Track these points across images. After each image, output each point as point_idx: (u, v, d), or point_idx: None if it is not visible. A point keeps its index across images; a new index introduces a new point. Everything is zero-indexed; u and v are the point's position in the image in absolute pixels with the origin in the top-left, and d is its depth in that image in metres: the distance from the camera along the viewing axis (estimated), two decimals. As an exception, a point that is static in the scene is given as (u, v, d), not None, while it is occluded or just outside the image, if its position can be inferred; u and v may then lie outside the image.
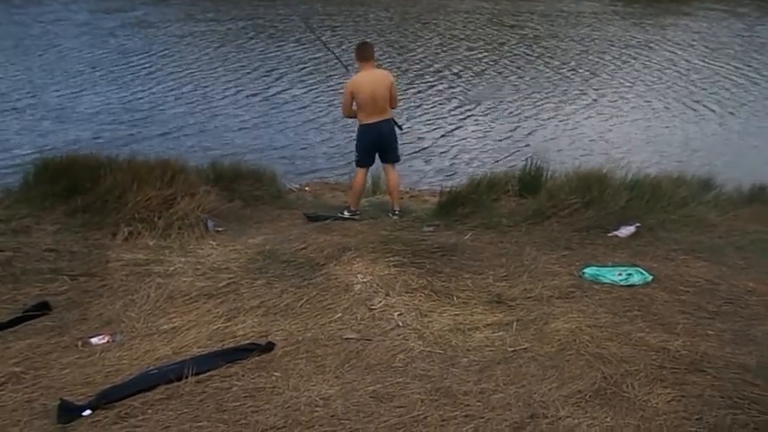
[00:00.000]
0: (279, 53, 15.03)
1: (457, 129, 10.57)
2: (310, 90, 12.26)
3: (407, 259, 4.58)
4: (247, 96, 11.81)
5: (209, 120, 10.53)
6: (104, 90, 11.96)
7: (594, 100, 12.41)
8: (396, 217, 5.74)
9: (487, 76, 13.79)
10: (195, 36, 16.59)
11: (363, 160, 5.79)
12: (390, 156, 5.84)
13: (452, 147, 9.84)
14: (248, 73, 13.44)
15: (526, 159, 6.89)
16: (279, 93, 12.09)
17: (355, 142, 5.81)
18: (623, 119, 11.40)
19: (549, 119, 11.21)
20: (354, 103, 5.60)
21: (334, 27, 18.06)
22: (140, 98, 11.54)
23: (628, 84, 13.57)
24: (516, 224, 5.33)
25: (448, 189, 5.96)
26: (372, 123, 5.61)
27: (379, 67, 6.15)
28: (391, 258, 4.58)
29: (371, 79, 5.55)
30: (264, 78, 13.05)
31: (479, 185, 5.94)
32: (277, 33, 16.70)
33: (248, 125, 10.34)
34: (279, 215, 5.75)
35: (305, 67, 13.69)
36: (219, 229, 5.20)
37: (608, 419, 2.87)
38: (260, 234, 5.17)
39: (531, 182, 6.33)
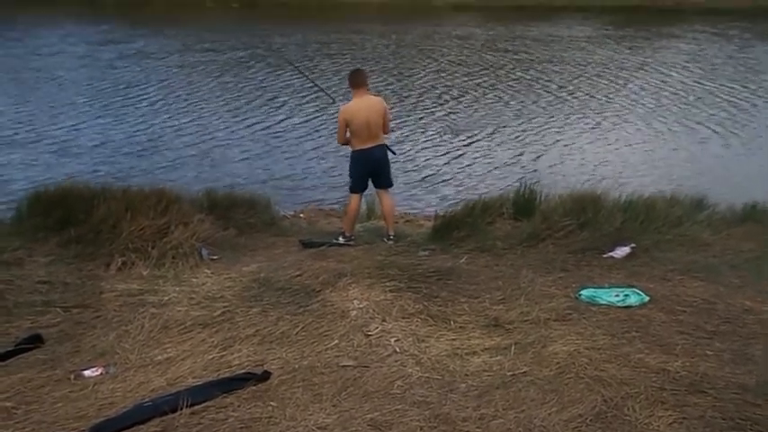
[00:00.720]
0: (277, 82, 15.12)
1: (461, 155, 10.60)
2: (308, 118, 12.32)
3: (403, 284, 4.56)
4: (247, 126, 11.85)
5: (209, 150, 10.56)
6: (104, 123, 11.98)
7: (597, 123, 12.46)
8: (391, 242, 5.73)
9: (488, 101, 13.89)
10: (194, 66, 16.75)
11: (357, 186, 5.81)
12: (383, 181, 5.86)
13: (456, 173, 9.85)
14: (247, 102, 13.51)
15: (519, 182, 6.91)
16: (278, 121, 12.14)
17: (349, 169, 5.83)
18: (620, 141, 11.47)
19: (552, 143, 11.24)
20: (348, 131, 5.63)
21: (332, 55, 18.26)
22: (140, 130, 11.56)
23: (627, 106, 13.68)
24: (511, 247, 5.33)
25: (443, 213, 5.97)
26: (366, 149, 5.64)
27: (377, 94, 6.20)
28: (387, 283, 4.56)
29: (365, 106, 5.60)
30: (264, 107, 13.12)
31: (474, 209, 5.95)
32: (275, 63, 16.82)
33: (247, 155, 10.37)
34: (273, 242, 5.73)
35: (303, 96, 13.77)
36: (214, 257, 5.18)
37: (609, 444, 2.84)
38: (255, 262, 5.15)
39: (525, 204, 6.34)
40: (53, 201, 5.57)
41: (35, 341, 3.81)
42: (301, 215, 7.18)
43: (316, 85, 7.97)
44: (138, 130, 11.53)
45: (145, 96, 13.76)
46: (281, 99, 13.72)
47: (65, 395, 3.25)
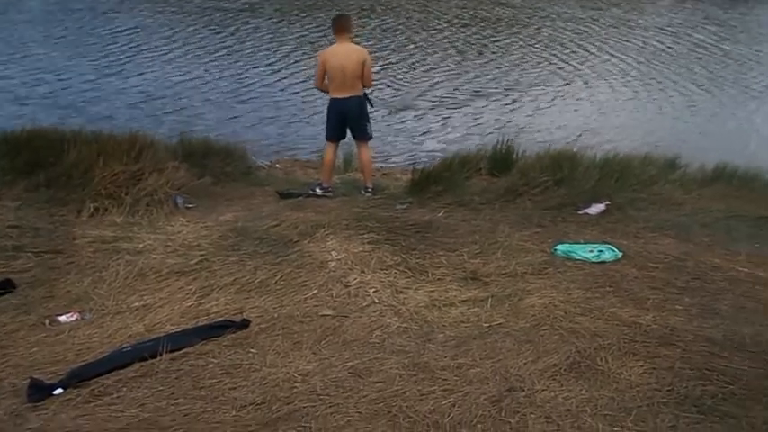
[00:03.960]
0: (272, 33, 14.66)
1: (442, 109, 10.50)
2: (291, 70, 12.04)
3: (382, 236, 4.56)
4: (224, 74, 11.53)
5: (186, 96, 10.28)
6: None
7: (574, 83, 12.45)
8: (368, 194, 5.71)
9: (473, 58, 13.67)
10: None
11: (331, 134, 5.72)
12: (359, 133, 5.76)
13: (437, 127, 9.79)
14: (232, 51, 13.08)
15: (496, 139, 6.91)
16: (253, 71, 11.86)
17: (326, 116, 5.74)
18: (598, 102, 11.50)
19: (531, 102, 11.19)
20: (326, 76, 5.52)
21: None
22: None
23: (605, 67, 13.68)
24: (489, 202, 5.36)
25: (420, 167, 5.95)
26: (340, 98, 5.53)
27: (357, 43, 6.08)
28: (365, 235, 4.56)
29: (343, 52, 5.48)
30: (247, 56, 12.75)
31: (452, 164, 5.94)
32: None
33: (223, 103, 10.14)
34: (250, 192, 5.66)
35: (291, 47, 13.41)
36: (189, 205, 5.10)
37: (583, 392, 2.92)
38: (231, 211, 5.09)
39: (502, 161, 6.36)
40: (20, 143, 5.40)
41: (6, 286, 3.73)
42: (277, 165, 7.09)
43: None
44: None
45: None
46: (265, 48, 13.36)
47: (41, 339, 3.21)
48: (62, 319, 3.42)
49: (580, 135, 9.50)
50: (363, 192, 5.77)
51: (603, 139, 9.18)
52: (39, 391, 2.67)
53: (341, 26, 5.55)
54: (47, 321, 3.39)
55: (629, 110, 11.19)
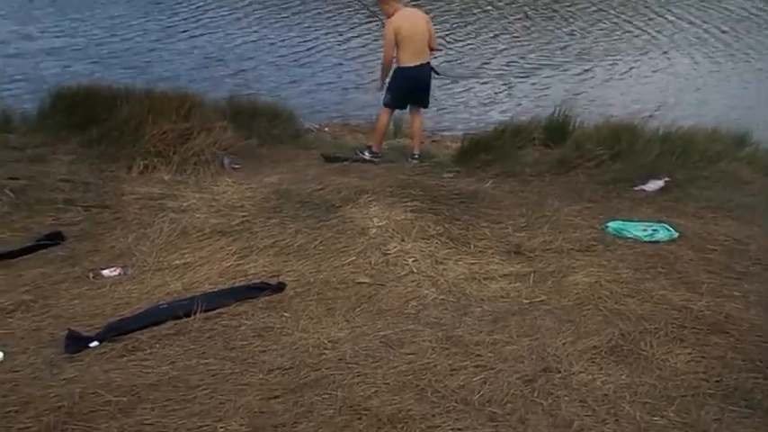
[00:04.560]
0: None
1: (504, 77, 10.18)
2: (347, 35, 11.88)
3: (425, 205, 4.46)
4: (283, 38, 11.45)
5: (236, 56, 10.31)
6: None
7: (643, 54, 11.82)
8: (415, 161, 5.59)
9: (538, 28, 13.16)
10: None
11: (395, 103, 5.58)
12: (422, 102, 5.66)
13: (495, 95, 9.51)
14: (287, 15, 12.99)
15: (554, 107, 6.63)
16: (311, 36, 11.77)
17: (389, 83, 5.55)
18: (667, 73, 10.90)
19: (595, 72, 10.72)
20: (398, 45, 5.36)
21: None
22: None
23: (675, 38, 12.92)
24: (540, 174, 5.16)
25: (471, 135, 5.78)
26: (413, 67, 5.38)
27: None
28: (409, 203, 4.47)
29: (410, 15, 5.41)
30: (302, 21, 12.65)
31: (504, 133, 5.75)
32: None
33: (276, 65, 10.12)
34: (296, 155, 5.64)
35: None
36: (236, 166, 5.12)
37: (623, 377, 2.79)
38: (276, 173, 5.08)
39: (558, 131, 6.10)
40: (76, 99, 5.50)
41: (56, 238, 3.84)
42: (326, 129, 7.04)
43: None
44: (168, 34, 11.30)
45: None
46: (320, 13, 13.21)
47: (82, 292, 3.29)
48: (105, 273, 3.50)
49: (657, 109, 8.99)
50: (410, 159, 5.66)
51: (682, 114, 8.66)
52: (75, 343, 2.74)
53: None
54: (90, 275, 3.47)
55: (710, 84, 10.52)
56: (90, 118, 5.30)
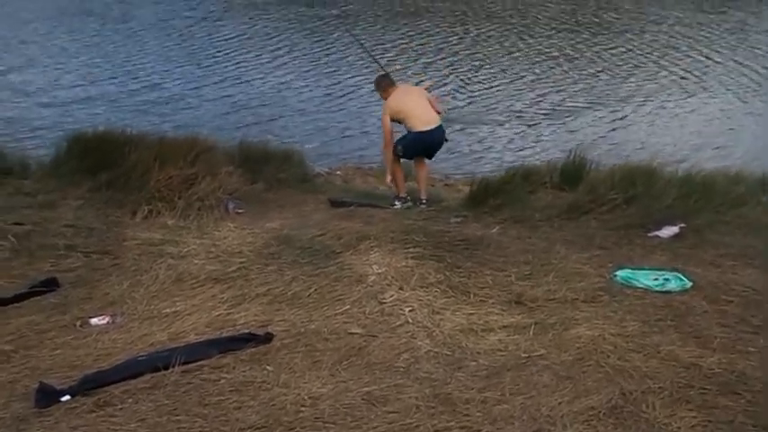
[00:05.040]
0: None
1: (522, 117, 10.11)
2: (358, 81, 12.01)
3: (428, 251, 4.34)
4: (315, 85, 11.58)
5: (253, 102, 10.48)
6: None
7: (691, 95, 11.55)
8: (423, 206, 5.52)
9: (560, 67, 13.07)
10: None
11: (405, 155, 5.68)
12: (430, 157, 5.84)
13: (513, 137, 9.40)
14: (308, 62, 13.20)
15: (570, 150, 6.50)
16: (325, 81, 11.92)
17: (404, 144, 5.59)
18: (692, 114, 10.63)
19: (618, 114, 10.56)
20: (402, 121, 5.53)
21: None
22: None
23: (731, 75, 12.63)
24: (549, 219, 5.01)
25: (480, 178, 5.67)
26: (427, 131, 5.52)
27: None
28: (411, 250, 4.36)
29: (404, 93, 5.62)
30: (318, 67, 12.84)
31: (515, 176, 5.63)
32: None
33: (310, 110, 10.20)
34: (303, 199, 5.61)
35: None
36: (240, 210, 5.10)
37: (620, 443, 2.59)
38: (280, 218, 5.05)
39: (572, 174, 5.95)
40: (90, 145, 5.61)
41: (50, 285, 3.83)
42: (338, 172, 7.02)
43: (371, 57, 7.63)
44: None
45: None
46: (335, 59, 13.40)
47: (66, 342, 3.24)
48: (93, 321, 3.46)
49: (676, 151, 8.72)
50: (418, 203, 5.58)
51: (705, 156, 8.43)
52: (46, 397, 2.67)
53: (388, 80, 5.73)
54: (78, 323, 3.44)
55: (743, 125, 10.19)
56: (101, 163, 5.39)
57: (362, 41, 10.16)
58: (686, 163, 7.39)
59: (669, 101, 11.21)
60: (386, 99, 5.59)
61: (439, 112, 5.69)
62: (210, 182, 5.09)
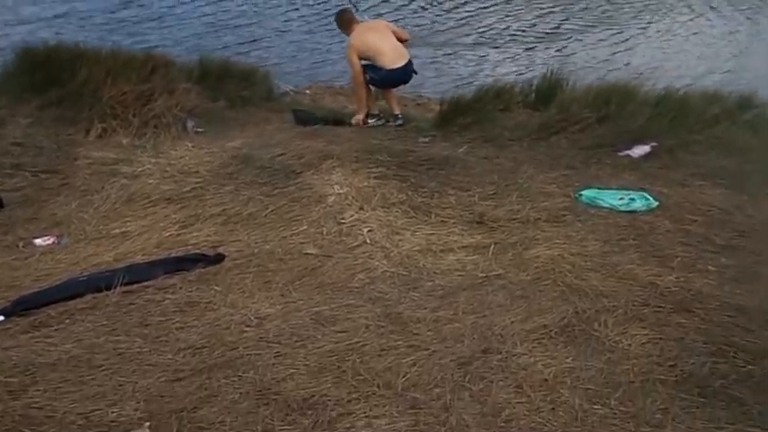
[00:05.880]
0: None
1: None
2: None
3: (391, 171, 4.20)
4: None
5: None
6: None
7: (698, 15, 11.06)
8: (399, 121, 5.33)
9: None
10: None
11: (375, 85, 5.43)
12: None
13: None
14: None
15: (546, 68, 6.27)
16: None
17: (372, 77, 5.30)
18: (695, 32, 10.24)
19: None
20: (369, 58, 5.22)
21: None
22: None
23: None
24: (519, 138, 4.86)
25: (451, 97, 5.47)
26: (396, 69, 5.22)
27: None
28: (374, 169, 4.21)
29: (367, 28, 5.31)
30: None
31: (486, 94, 5.42)
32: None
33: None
34: (266, 118, 5.38)
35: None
36: (199, 129, 4.89)
37: (568, 360, 2.55)
38: (241, 137, 4.84)
39: (546, 93, 5.75)
40: (39, 60, 5.28)
41: (-6, 205, 3.68)
42: (306, 91, 6.75)
43: None
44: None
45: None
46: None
47: (6, 262, 3.13)
48: (37, 242, 3.33)
49: (654, 71, 8.43)
50: (393, 120, 5.37)
51: (683, 74, 8.18)
52: (-21, 318, 2.58)
53: (349, 15, 5.39)
54: (21, 243, 3.31)
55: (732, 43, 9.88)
56: (52, 79, 5.08)
57: None
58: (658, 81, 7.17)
59: (677, 22, 10.79)
60: (349, 35, 5.28)
61: (406, 40, 5.43)
62: (167, 99, 4.85)
